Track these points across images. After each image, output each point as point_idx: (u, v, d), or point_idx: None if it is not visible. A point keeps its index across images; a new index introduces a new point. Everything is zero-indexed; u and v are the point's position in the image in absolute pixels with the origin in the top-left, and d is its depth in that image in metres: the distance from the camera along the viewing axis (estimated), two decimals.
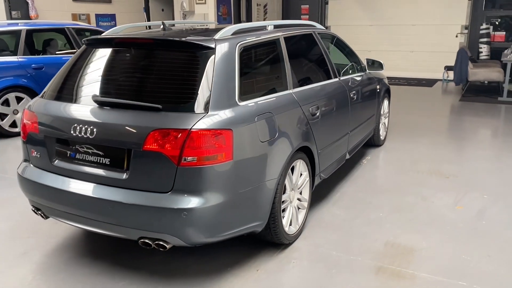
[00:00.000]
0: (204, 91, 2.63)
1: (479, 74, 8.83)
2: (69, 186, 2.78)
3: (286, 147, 3.05)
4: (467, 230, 3.50)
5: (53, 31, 7.09)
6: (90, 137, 2.67)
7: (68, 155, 2.83)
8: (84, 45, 3.22)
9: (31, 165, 3.03)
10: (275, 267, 3.00)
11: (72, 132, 2.73)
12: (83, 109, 2.78)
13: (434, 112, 7.96)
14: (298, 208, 3.38)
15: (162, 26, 3.35)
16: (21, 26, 6.62)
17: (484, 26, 10.75)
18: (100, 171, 2.71)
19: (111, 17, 10.75)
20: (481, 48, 10.80)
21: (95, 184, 2.72)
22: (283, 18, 12.86)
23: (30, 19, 8.68)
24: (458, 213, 3.79)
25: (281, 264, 3.05)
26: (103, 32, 7.80)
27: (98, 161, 2.72)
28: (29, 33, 6.64)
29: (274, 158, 2.93)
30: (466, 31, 11.12)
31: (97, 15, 10.35)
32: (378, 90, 5.18)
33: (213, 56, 2.75)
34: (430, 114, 7.80)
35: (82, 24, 7.79)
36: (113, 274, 2.95)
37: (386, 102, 5.69)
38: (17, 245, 3.32)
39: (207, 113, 2.57)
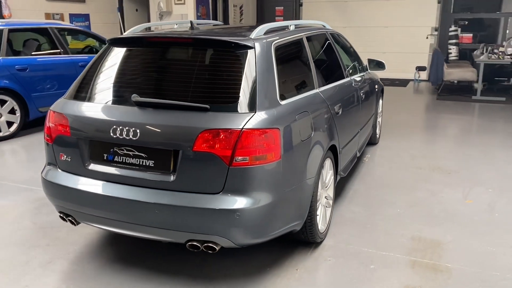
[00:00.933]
0: (249, 91, 2.61)
1: (454, 74, 9.20)
2: (107, 190, 2.68)
3: (321, 146, 3.07)
4: (483, 222, 3.64)
5: (35, 31, 6.80)
6: (133, 139, 2.58)
7: (105, 158, 2.72)
8: (108, 44, 3.12)
9: (59, 170, 2.90)
10: (313, 266, 3.02)
11: (111, 134, 2.63)
12: (123, 110, 2.69)
13: (415, 111, 8.23)
14: (325, 207, 3.41)
15: (190, 25, 3.29)
16: (2, 25, 6.30)
17: (452, 28, 11.21)
18: (143, 174, 2.62)
19: (85, 17, 10.42)
20: (450, 49, 11.25)
21: (137, 187, 2.63)
22: (257, 20, 12.90)
23: (3, 18, 8.28)
24: (469, 207, 3.94)
25: (318, 262, 3.06)
26: (88, 33, 7.61)
27: (141, 163, 2.63)
28: (11, 32, 6.34)
29: (312, 156, 2.94)
30: (436, 33, 11.55)
31: (71, 15, 10.01)
32: (376, 89, 5.30)
33: (253, 55, 2.73)
34: (413, 112, 8.06)
35: (66, 24, 7.52)
36: (151, 280, 2.86)
37: (380, 101, 5.84)
38: (38, 254, 3.16)
39: (255, 112, 2.55)
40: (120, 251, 3.20)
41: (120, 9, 11.34)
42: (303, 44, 3.43)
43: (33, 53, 6.77)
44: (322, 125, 3.18)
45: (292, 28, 3.49)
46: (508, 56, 9.03)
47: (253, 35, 2.90)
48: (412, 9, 11.54)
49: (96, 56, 3.13)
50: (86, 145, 2.76)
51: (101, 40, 7.64)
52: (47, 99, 6.56)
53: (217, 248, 2.58)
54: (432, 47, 11.51)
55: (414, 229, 3.53)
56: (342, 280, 2.86)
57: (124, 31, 11.28)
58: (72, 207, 2.82)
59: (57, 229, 3.52)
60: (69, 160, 2.82)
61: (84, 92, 2.93)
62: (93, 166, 2.75)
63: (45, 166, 3.04)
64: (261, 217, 2.56)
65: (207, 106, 2.54)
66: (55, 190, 2.88)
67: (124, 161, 2.67)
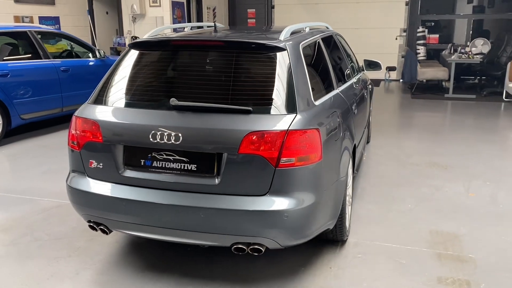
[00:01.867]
0: (288, 92, 2.63)
1: (427, 73, 9.56)
2: (146, 197, 2.62)
3: (349, 145, 3.14)
4: (491, 214, 3.83)
5: (13, 34, 6.51)
6: (175, 143, 2.54)
7: (142, 163, 2.67)
8: (129, 48, 3.05)
9: (88, 177, 2.81)
10: (345, 263, 3.07)
11: (151, 139, 2.58)
12: (161, 114, 2.63)
13: (395, 110, 8.49)
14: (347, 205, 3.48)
15: (214, 28, 3.27)
16: None
17: (420, 29, 11.65)
18: (185, 178, 2.59)
19: (55, 20, 10.07)
20: (418, 49, 11.68)
21: (179, 192, 2.59)
22: (229, 22, 12.90)
23: None
24: (473, 200, 4.12)
25: (349, 259, 3.12)
26: (73, 38, 7.33)
27: (182, 167, 2.60)
28: None
29: (343, 155, 3.00)
30: (404, 34, 11.95)
31: (40, 18, 9.63)
32: (370, 89, 5.44)
33: (287, 57, 2.75)
34: (392, 111, 8.32)
35: (45, 27, 7.24)
36: (186, 286, 2.82)
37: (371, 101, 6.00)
38: (63, 266, 3.04)
39: (297, 113, 2.57)
40: (148, 259, 3.13)
41: (90, 12, 11.03)
42: (320, 45, 3.49)
43: (9, 57, 6.48)
44: (348, 125, 3.25)
45: (307, 30, 3.54)
46: (477, 56, 9.49)
47: (282, 37, 2.92)
48: (381, 11, 11.89)
49: (118, 60, 3.06)
50: (120, 151, 2.69)
51: (87, 47, 7.42)
52: (29, 105, 6.31)
53: (263, 250, 2.58)
54: (401, 48, 11.91)
55: (429, 223, 3.65)
56: (378, 275, 2.92)
57: (95, 35, 11.00)
58: (106, 215, 2.74)
59: (74, 239, 3.40)
60: (101, 167, 2.74)
61: (113, 97, 2.85)
62: (129, 173, 2.69)
63: (69, 174, 2.94)
64: (306, 217, 2.59)
65: (250, 108, 2.54)
66: (85, 199, 2.79)
67: (163, 166, 2.63)
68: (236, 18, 12.92)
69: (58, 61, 6.80)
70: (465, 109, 8.32)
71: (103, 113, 2.77)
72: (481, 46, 10.58)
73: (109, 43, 11.39)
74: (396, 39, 12.01)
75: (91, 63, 7.31)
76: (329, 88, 3.27)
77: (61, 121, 7.22)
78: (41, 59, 6.59)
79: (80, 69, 7.09)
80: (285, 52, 2.77)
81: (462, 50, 9.87)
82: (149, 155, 2.65)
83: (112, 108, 2.79)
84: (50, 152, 5.67)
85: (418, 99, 9.44)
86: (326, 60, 3.46)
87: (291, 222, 2.52)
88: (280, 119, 2.52)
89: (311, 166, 2.55)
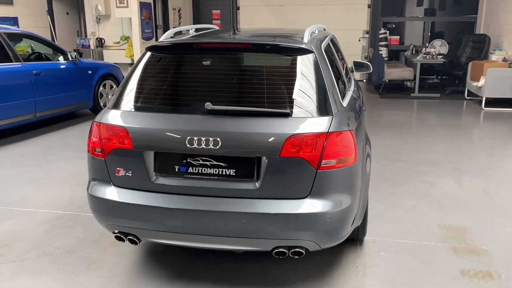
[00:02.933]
0: (321, 94, 2.64)
1: (394, 73, 9.90)
2: (182, 204, 2.55)
3: (368, 145, 3.20)
4: (488, 207, 4.02)
5: None
6: (214, 148, 2.48)
7: (176, 170, 2.59)
8: (147, 51, 2.94)
9: (114, 186, 2.69)
10: (369, 262, 3.12)
11: (188, 144, 2.50)
12: (197, 119, 2.56)
13: (367, 109, 8.71)
14: None
15: (233, 30, 3.22)
16: None
17: (382, 31, 12.05)
18: (223, 184, 2.54)
19: (13, 21, 9.54)
20: (380, 50, 12.07)
21: (218, 198, 2.54)
22: (194, 23, 12.74)
23: None
24: (469, 194, 4.32)
25: (372, 257, 3.18)
26: (37, 37, 6.94)
27: (221, 173, 2.54)
28: None
29: (367, 156, 3.05)
30: (367, 35, 12.31)
31: None
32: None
33: (315, 59, 2.76)
34: (365, 111, 8.53)
35: (15, 28, 6.84)
36: None
37: None
38: (85, 280, 2.89)
39: (333, 115, 2.59)
40: (172, 268, 3.04)
41: (50, 12, 10.55)
42: (331, 46, 3.53)
43: None
44: (364, 125, 3.31)
45: (317, 32, 3.57)
46: (439, 56, 9.94)
47: (306, 39, 2.93)
48: (345, 13, 12.18)
49: (136, 63, 2.95)
50: (150, 158, 2.60)
51: (58, 50, 7.07)
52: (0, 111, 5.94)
53: (303, 253, 2.58)
54: (364, 49, 12.26)
55: (435, 218, 3.79)
56: (405, 272, 2.99)
57: (55, 36, 10.53)
58: (137, 224, 2.64)
59: (86, 252, 3.24)
60: (130, 175, 2.63)
61: (139, 102, 2.74)
62: (162, 180, 2.60)
63: (90, 183, 2.80)
64: (345, 218, 2.61)
65: (288, 111, 2.53)
66: (112, 209, 2.67)
67: (200, 172, 2.56)
68: (201, 19, 12.79)
69: (29, 64, 6.45)
70: (434, 108, 8.69)
71: (131, 119, 2.65)
72: (439, 47, 11.10)
73: (70, 44, 10.94)
74: (359, 40, 12.34)
75: (63, 66, 6.99)
76: (345, 89, 3.32)
77: (33, 127, 6.86)
78: (11, 62, 6.22)
79: (52, 72, 6.75)
80: (313, 54, 2.78)
81: (426, 51, 10.30)
82: (184, 161, 2.57)
83: (141, 114, 2.68)
84: (31, 161, 5.37)
85: (387, 98, 9.76)
86: (338, 61, 3.51)
87: (332, 224, 2.53)
88: (318, 122, 2.53)
89: (349, 167, 2.58)
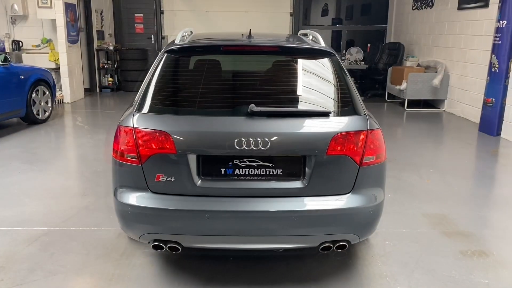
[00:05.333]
0: (351, 94, 2.79)
1: None
2: (231, 206, 2.54)
3: None
4: (453, 195, 4.51)
5: None
6: (262, 149, 2.51)
7: (222, 172, 2.56)
8: (168, 53, 2.86)
9: (152, 193, 2.58)
10: (381, 251, 3.35)
11: (236, 146, 2.49)
12: (241, 121, 2.55)
13: None
14: None
15: (248, 34, 3.23)
16: None
17: None
18: (271, 184, 2.57)
19: None
20: None
21: (267, 198, 2.57)
22: (115, 27, 12.21)
23: None
24: (432, 186, 4.79)
25: (382, 247, 3.40)
26: None
27: (268, 173, 2.57)
28: None
29: None
30: None
31: None
32: None
33: (337, 61, 2.92)
34: None
35: None
36: None
37: None
38: None
39: (365, 114, 2.76)
40: (200, 274, 2.97)
41: None
42: None
43: None
44: None
45: (311, 37, 3.74)
46: (362, 62, 10.72)
47: (322, 43, 3.08)
48: (268, 21, 12.55)
49: (155, 65, 2.84)
50: (193, 162, 2.54)
51: None
52: None
53: (347, 246, 2.71)
54: None
55: (415, 208, 4.16)
56: (415, 257, 3.26)
57: None
58: (181, 231, 2.56)
59: (99, 267, 3.03)
60: (172, 180, 2.55)
61: (175, 105, 2.66)
62: (207, 183, 2.55)
63: (116, 191, 2.65)
64: (380, 211, 2.79)
65: (329, 111, 2.65)
66: (152, 217, 2.56)
67: (246, 173, 2.57)
68: (122, 23, 12.30)
69: None
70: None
71: (172, 123, 2.57)
72: (355, 54, 11.97)
73: None
74: None
75: None
76: None
77: None
78: None
79: None
80: (335, 56, 2.94)
81: (345, 58, 11.04)
82: (230, 163, 2.56)
83: (181, 117, 2.60)
84: None
85: None
86: None
87: (372, 217, 2.70)
88: (357, 120, 2.68)
89: (382, 163, 2.76)
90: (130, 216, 2.61)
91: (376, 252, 3.33)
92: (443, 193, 4.54)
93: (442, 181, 4.91)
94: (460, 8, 8.56)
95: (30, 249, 3.25)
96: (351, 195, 2.64)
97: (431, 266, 3.13)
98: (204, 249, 3.16)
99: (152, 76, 2.79)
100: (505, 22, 6.65)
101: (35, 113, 7.14)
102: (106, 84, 11.00)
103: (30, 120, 7.14)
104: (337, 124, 2.62)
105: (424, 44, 10.16)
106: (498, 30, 6.79)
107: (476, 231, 3.69)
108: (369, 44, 12.23)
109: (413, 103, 9.40)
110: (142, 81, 2.83)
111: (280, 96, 2.75)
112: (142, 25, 12.42)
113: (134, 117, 2.63)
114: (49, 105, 7.55)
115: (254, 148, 2.51)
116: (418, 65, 9.89)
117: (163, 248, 2.63)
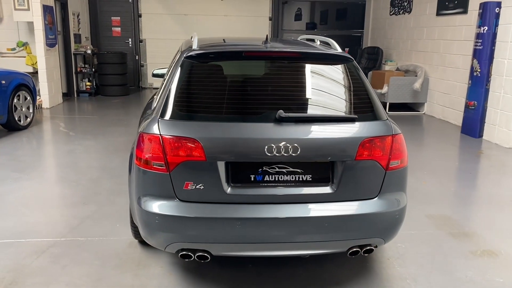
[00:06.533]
0: (372, 99, 2.83)
1: None
2: (261, 213, 2.51)
3: None
4: (450, 196, 4.63)
5: None
6: (293, 155, 2.50)
7: (252, 179, 2.54)
8: (189, 59, 2.81)
9: (180, 201, 2.52)
10: (395, 253, 3.39)
11: (267, 153, 2.48)
12: (272, 127, 2.53)
13: None
14: None
15: (265, 40, 3.22)
16: None
17: None
18: (300, 190, 2.57)
19: None
20: None
21: (296, 204, 2.56)
22: (91, 30, 11.93)
23: None
24: (429, 187, 4.90)
25: (394, 249, 3.45)
26: None
27: (297, 179, 2.57)
28: None
29: None
30: None
31: None
32: None
33: (356, 67, 2.95)
34: None
35: None
36: None
37: None
38: None
39: (387, 119, 2.80)
40: (222, 282, 2.93)
41: None
42: None
43: None
44: None
45: (318, 42, 3.77)
46: None
47: (338, 48, 3.11)
48: (248, 24, 12.58)
49: (173, 70, 2.79)
50: (222, 169, 2.51)
51: None
52: None
53: (373, 250, 2.73)
54: None
55: (418, 209, 4.23)
56: (429, 257, 3.32)
57: None
58: (210, 239, 2.52)
59: (117, 278, 2.94)
60: (202, 188, 2.50)
61: (201, 112, 2.62)
62: (237, 190, 2.52)
63: (140, 200, 2.58)
64: (404, 214, 2.82)
65: (355, 116, 2.67)
66: (182, 225, 2.51)
67: (276, 179, 2.55)
68: (99, 26, 12.04)
69: None
70: None
71: (201, 129, 2.52)
72: None
73: None
74: None
75: None
76: None
77: None
78: None
79: None
80: (355, 62, 2.97)
81: None
82: (260, 170, 2.54)
83: (210, 124, 2.56)
84: None
85: None
86: None
87: (398, 220, 2.74)
88: (381, 125, 2.71)
89: (405, 167, 2.80)
90: (157, 225, 2.54)
91: (391, 254, 3.37)
92: (441, 194, 4.66)
93: (438, 182, 5.03)
94: (439, 14, 8.82)
95: (40, 262, 3.12)
96: (377, 200, 2.66)
97: (447, 267, 3.20)
98: (221, 256, 3.13)
99: (174, 82, 2.73)
100: (486, 28, 6.90)
101: (16, 119, 6.88)
102: (84, 89, 10.72)
103: (12, 127, 6.87)
104: (363, 129, 2.64)
105: (402, 48, 10.42)
106: (479, 36, 7.04)
107: (480, 231, 3.79)
108: (346, 49, 12.43)
109: (394, 106, 9.60)
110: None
111: (305, 102, 2.76)
112: (119, 28, 12.21)
113: (159, 124, 2.57)
114: (31, 110, 7.30)
115: (284, 154, 2.50)
116: (397, 69, 10.12)
117: (191, 257, 2.58)
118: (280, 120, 2.56)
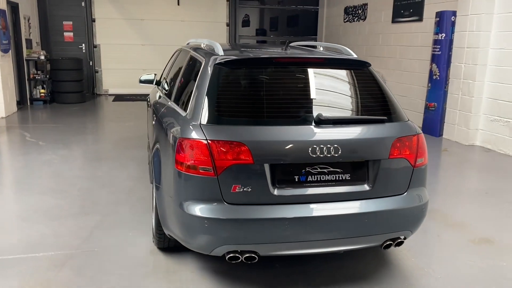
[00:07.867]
0: (393, 101, 3.03)
1: None
2: (305, 212, 2.63)
3: None
4: (433, 190, 4.97)
5: None
6: (335, 155, 2.63)
7: (296, 180, 2.64)
8: (223, 65, 2.86)
9: (228, 204, 2.57)
10: (410, 245, 3.57)
11: (311, 154, 2.59)
12: (314, 129, 2.66)
13: None
14: None
15: (285, 46, 3.31)
16: None
17: None
18: (340, 188, 2.71)
19: None
20: None
21: (337, 203, 2.70)
22: (41, 34, 11.39)
23: None
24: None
25: (407, 241, 3.66)
26: None
27: (337, 178, 2.70)
28: None
29: None
30: None
31: None
32: None
33: (374, 71, 3.15)
34: None
35: None
36: None
37: None
38: None
39: (408, 119, 3.01)
40: (253, 282, 2.99)
41: None
42: None
43: None
44: None
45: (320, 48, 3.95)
46: None
47: (353, 53, 3.30)
48: (205, 30, 12.55)
49: (203, 76, 2.85)
50: (267, 171, 2.59)
51: None
52: None
53: (403, 242, 2.92)
54: None
55: None
56: (433, 248, 3.59)
57: None
58: (258, 240, 2.59)
59: (152, 285, 2.91)
60: (249, 190, 2.57)
61: (243, 116, 2.69)
62: (283, 191, 2.62)
63: (183, 204, 2.59)
64: (427, 208, 3.03)
65: (385, 117, 2.85)
66: (231, 228, 2.56)
67: (318, 179, 2.67)
68: (49, 31, 11.52)
69: None
70: None
71: (246, 133, 2.59)
72: None
73: None
74: None
75: None
76: None
77: None
78: None
79: None
80: (371, 67, 3.16)
81: None
82: (303, 171, 2.65)
83: (254, 127, 2.63)
84: None
85: None
86: None
87: (423, 213, 2.96)
88: (407, 125, 2.92)
89: (426, 164, 3.02)
90: (204, 230, 2.57)
91: (403, 247, 3.58)
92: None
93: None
94: (394, 21, 9.36)
95: (64, 275, 3.01)
96: (407, 195, 2.86)
97: (454, 255, 3.47)
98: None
99: (207, 87, 2.77)
100: (444, 35, 7.45)
101: None
102: (38, 96, 10.22)
103: None
104: (393, 130, 2.83)
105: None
106: (437, 42, 7.58)
107: (471, 222, 4.13)
108: None
109: None
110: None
111: (336, 104, 2.91)
112: (71, 33, 11.77)
113: (204, 129, 2.60)
114: None
115: (327, 155, 2.62)
116: None
117: (239, 258, 2.63)
118: (319, 123, 2.69)
